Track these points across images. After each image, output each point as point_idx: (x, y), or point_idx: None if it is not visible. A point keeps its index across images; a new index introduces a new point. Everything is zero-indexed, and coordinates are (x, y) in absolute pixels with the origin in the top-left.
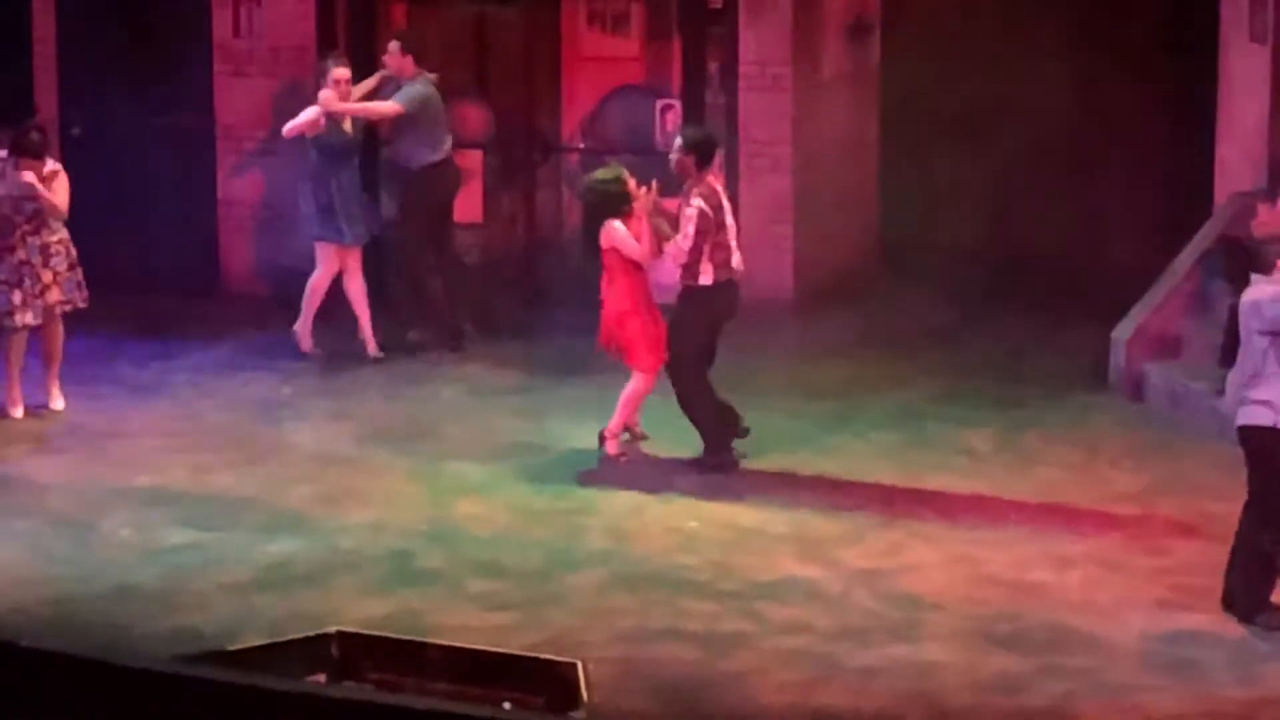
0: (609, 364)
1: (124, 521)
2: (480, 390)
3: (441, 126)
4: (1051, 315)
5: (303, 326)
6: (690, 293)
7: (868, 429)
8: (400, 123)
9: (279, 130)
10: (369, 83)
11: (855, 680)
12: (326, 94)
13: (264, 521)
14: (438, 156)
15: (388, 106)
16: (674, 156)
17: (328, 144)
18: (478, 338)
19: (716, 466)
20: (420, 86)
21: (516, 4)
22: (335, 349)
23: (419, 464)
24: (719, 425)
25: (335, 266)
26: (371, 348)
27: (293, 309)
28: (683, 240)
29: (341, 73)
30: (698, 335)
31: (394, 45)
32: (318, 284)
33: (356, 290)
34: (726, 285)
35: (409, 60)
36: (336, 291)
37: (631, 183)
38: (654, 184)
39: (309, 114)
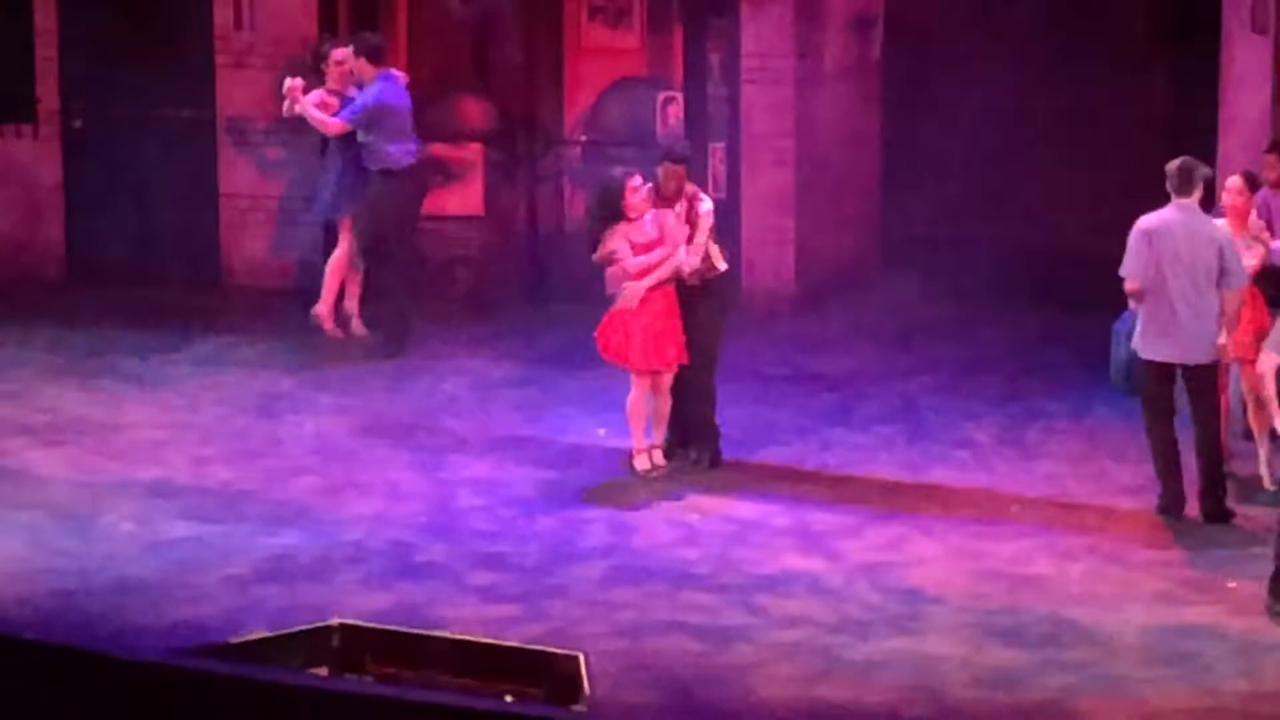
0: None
1: (125, 514)
2: (481, 383)
3: (404, 131)
4: (1052, 307)
5: (322, 307)
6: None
7: (869, 422)
8: (360, 128)
9: (280, 121)
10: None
11: (856, 673)
12: (290, 83)
13: (265, 514)
14: (402, 162)
15: (334, 123)
16: None
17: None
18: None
19: (715, 461)
20: (373, 94)
21: None
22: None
23: (420, 457)
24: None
25: (338, 242)
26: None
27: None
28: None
29: (341, 53)
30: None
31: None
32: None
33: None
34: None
35: (363, 63)
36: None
37: (632, 193)
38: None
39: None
